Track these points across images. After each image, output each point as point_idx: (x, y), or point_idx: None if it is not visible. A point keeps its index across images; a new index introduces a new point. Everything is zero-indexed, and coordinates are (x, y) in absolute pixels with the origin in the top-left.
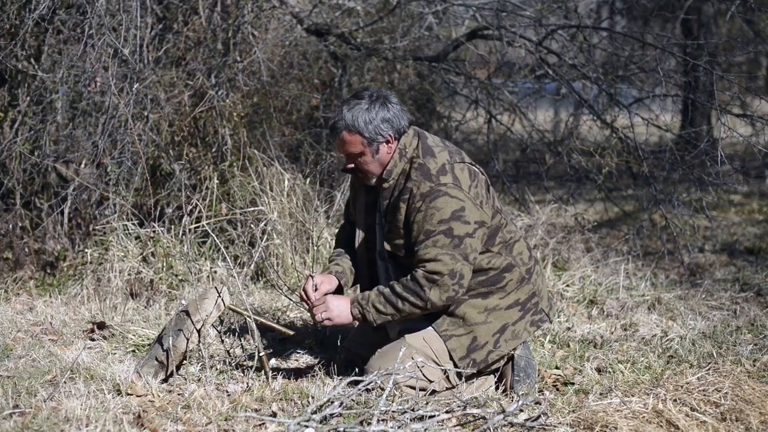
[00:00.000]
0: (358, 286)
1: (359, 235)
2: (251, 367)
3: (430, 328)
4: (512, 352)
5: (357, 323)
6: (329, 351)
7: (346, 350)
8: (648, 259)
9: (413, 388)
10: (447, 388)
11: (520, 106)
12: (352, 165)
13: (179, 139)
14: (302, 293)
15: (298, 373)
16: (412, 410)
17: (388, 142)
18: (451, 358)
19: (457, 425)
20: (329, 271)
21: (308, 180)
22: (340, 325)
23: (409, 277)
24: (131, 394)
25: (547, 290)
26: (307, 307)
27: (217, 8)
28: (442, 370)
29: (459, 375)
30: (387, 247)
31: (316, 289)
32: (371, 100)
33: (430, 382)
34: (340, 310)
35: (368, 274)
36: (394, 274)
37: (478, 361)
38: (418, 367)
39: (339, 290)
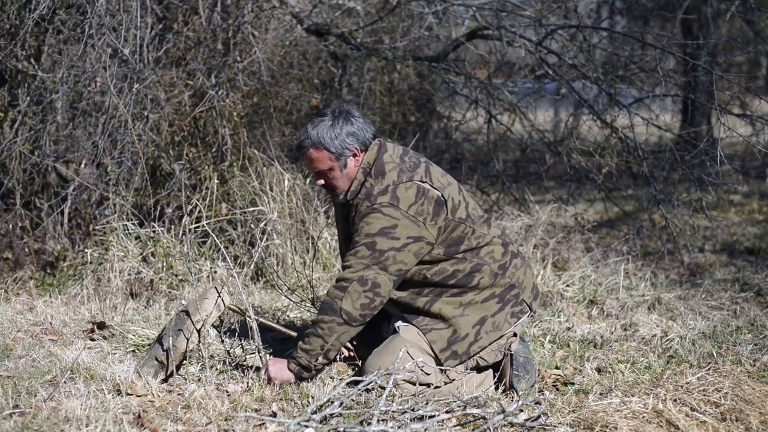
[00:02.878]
0: None
1: (341, 244)
2: (251, 367)
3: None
4: (504, 347)
5: (306, 375)
6: None
7: (347, 350)
8: (648, 259)
9: (413, 383)
10: (445, 382)
11: (520, 106)
12: (322, 181)
13: (179, 139)
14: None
15: None
16: (412, 410)
17: (355, 155)
18: (433, 351)
19: (457, 425)
20: None
21: (308, 180)
22: (284, 382)
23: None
24: (131, 394)
25: (533, 282)
26: None
27: (217, 8)
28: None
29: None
30: None
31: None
32: (334, 116)
33: (427, 375)
34: (275, 369)
35: None
36: None
37: (460, 353)
38: (417, 364)
39: None
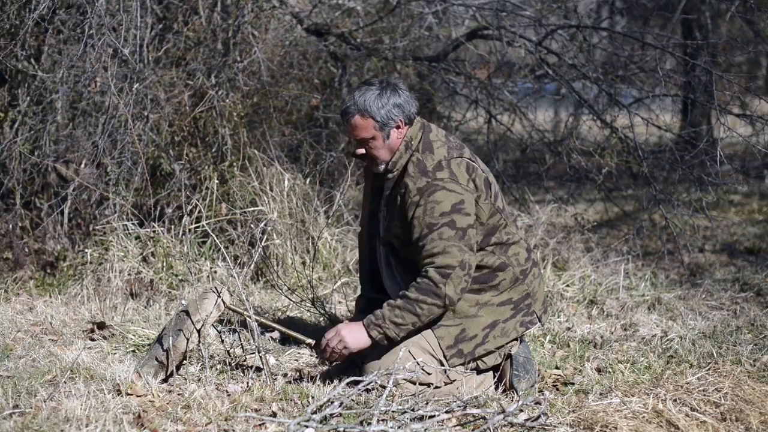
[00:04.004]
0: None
1: (363, 219)
2: (251, 366)
3: None
4: (505, 351)
5: (384, 344)
6: None
7: None
8: (648, 259)
9: (413, 383)
10: (445, 383)
11: (520, 106)
12: (363, 150)
13: (179, 139)
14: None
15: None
16: (412, 410)
17: (398, 127)
18: (440, 347)
19: (457, 425)
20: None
21: (308, 180)
22: (359, 349)
23: (420, 277)
24: (131, 394)
25: (545, 294)
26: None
27: (217, 8)
28: (440, 363)
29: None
30: (386, 237)
31: None
32: (382, 87)
33: (428, 374)
34: (354, 335)
35: (369, 258)
36: (393, 261)
37: (465, 353)
38: (417, 362)
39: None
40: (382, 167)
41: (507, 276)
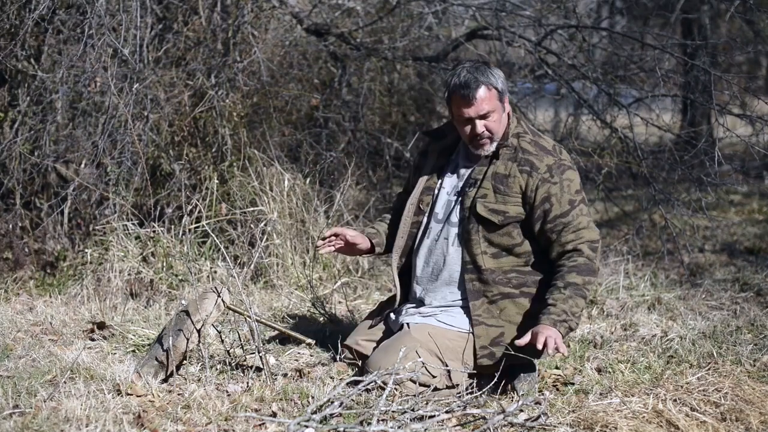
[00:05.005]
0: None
1: (415, 194)
2: (251, 366)
3: (437, 322)
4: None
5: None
6: (329, 351)
7: (348, 349)
8: (648, 259)
9: (414, 382)
10: (447, 387)
11: (520, 106)
12: (483, 128)
13: (179, 139)
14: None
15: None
16: (412, 410)
17: (507, 100)
18: (472, 345)
19: (457, 425)
20: (362, 231)
21: (308, 180)
22: None
23: (573, 259)
24: (131, 394)
25: None
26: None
27: (217, 8)
28: (445, 367)
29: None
30: (482, 212)
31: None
32: (480, 63)
33: (433, 377)
34: (557, 334)
35: (407, 235)
36: (459, 238)
37: (497, 356)
38: (423, 363)
39: (371, 250)
40: (493, 147)
41: None
